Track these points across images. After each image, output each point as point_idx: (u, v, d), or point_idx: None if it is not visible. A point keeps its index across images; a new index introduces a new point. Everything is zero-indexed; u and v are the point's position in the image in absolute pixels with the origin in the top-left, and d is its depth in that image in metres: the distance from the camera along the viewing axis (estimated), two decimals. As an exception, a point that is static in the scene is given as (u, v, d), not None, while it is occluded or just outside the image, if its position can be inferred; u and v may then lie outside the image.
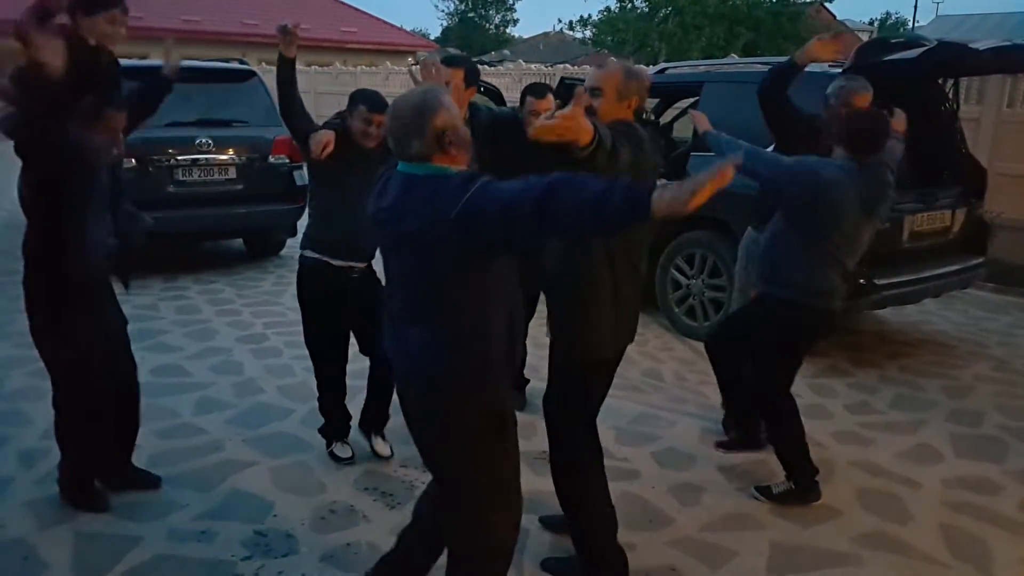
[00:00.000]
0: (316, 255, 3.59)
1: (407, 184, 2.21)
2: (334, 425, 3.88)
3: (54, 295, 3.11)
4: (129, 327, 3.50)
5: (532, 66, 15.46)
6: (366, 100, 3.46)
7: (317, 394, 3.88)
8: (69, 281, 3.10)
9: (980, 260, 5.84)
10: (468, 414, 2.28)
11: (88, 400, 3.25)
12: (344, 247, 3.56)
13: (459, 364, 2.24)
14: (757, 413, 3.90)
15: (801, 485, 3.59)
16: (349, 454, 3.82)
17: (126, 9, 3.35)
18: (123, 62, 3.65)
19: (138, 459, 3.75)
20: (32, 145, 2.92)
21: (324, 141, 3.36)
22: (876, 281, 5.02)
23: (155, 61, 5.01)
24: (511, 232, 2.08)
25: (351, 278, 3.61)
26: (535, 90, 4.17)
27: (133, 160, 6.73)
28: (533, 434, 4.03)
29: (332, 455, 3.84)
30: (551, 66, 16.02)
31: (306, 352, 3.85)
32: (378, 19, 30.30)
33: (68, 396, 3.26)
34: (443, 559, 2.51)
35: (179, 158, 7.00)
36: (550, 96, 4.13)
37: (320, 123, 3.55)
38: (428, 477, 3.64)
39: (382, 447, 3.88)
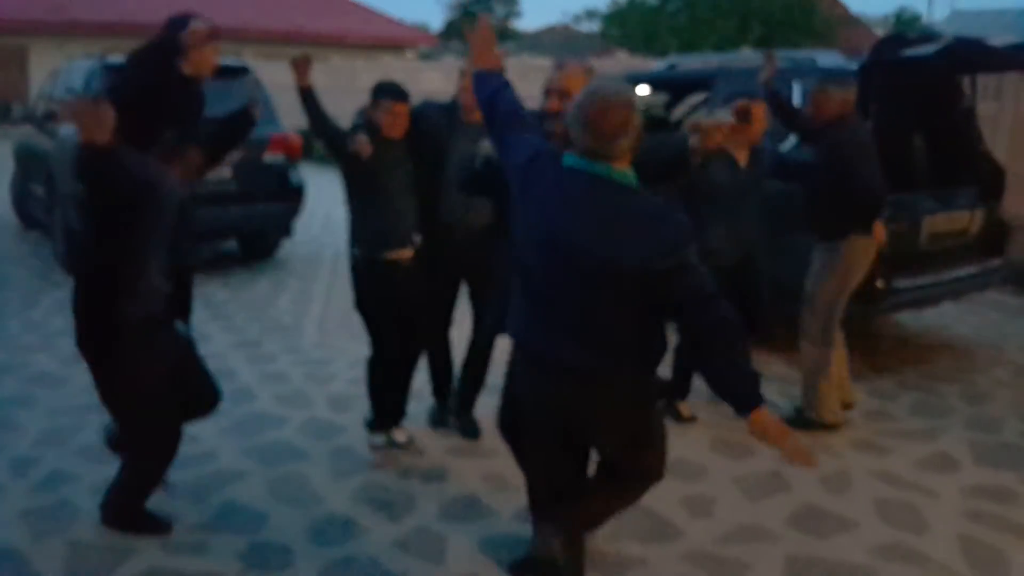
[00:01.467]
0: (364, 252, 3.74)
1: (607, 195, 2.19)
2: (388, 414, 3.91)
3: (112, 342, 2.99)
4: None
5: (537, 61, 15.30)
6: (390, 93, 3.63)
7: (368, 387, 3.91)
8: (126, 325, 2.97)
9: (999, 262, 5.74)
10: (646, 392, 2.55)
11: (160, 438, 3.17)
12: (388, 236, 3.72)
13: (639, 363, 2.41)
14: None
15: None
16: (405, 438, 3.93)
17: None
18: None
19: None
20: (97, 180, 2.83)
21: (365, 143, 3.53)
22: (894, 284, 4.92)
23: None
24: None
25: (400, 269, 3.76)
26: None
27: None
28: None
29: (391, 442, 3.91)
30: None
31: (302, 358, 3.80)
32: (379, 12, 30.21)
33: (141, 438, 3.17)
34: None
35: (172, 156, 6.92)
36: None
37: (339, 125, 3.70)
38: (429, 488, 3.61)
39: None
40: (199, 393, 3.31)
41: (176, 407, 3.19)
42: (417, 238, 3.79)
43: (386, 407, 3.92)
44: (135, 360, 3.01)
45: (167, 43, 3.29)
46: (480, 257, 3.80)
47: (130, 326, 2.96)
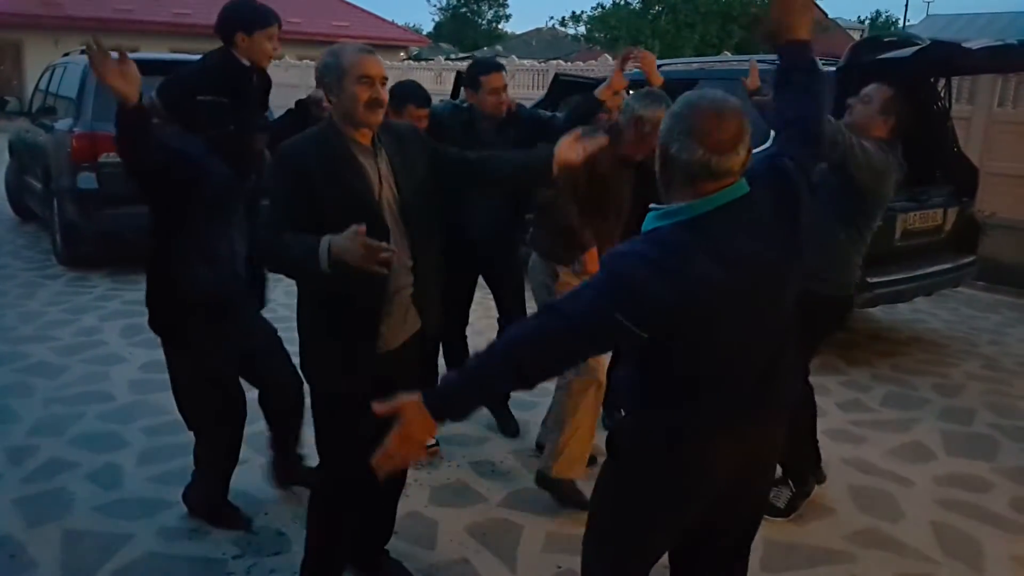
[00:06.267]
0: None
1: (762, 209, 1.83)
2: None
3: (174, 318, 3.01)
4: (119, 323, 3.44)
5: (525, 62, 15.40)
6: (415, 98, 3.60)
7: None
8: (187, 303, 2.96)
9: (971, 259, 5.87)
10: None
11: (218, 422, 3.17)
12: None
13: None
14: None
15: (799, 481, 3.45)
16: None
17: (281, 22, 3.22)
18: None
19: (128, 456, 3.74)
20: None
21: None
22: (868, 279, 5.02)
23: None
24: None
25: None
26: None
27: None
28: (526, 432, 4.06)
29: None
30: (544, 62, 15.98)
31: (297, 348, 3.83)
32: (370, 13, 30.21)
33: (201, 420, 3.20)
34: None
35: (172, 152, 6.93)
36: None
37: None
38: (420, 474, 3.59)
39: None
40: (276, 381, 3.30)
41: (235, 392, 3.18)
42: None
43: None
44: (197, 340, 3.02)
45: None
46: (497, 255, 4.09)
47: (191, 304, 2.96)
